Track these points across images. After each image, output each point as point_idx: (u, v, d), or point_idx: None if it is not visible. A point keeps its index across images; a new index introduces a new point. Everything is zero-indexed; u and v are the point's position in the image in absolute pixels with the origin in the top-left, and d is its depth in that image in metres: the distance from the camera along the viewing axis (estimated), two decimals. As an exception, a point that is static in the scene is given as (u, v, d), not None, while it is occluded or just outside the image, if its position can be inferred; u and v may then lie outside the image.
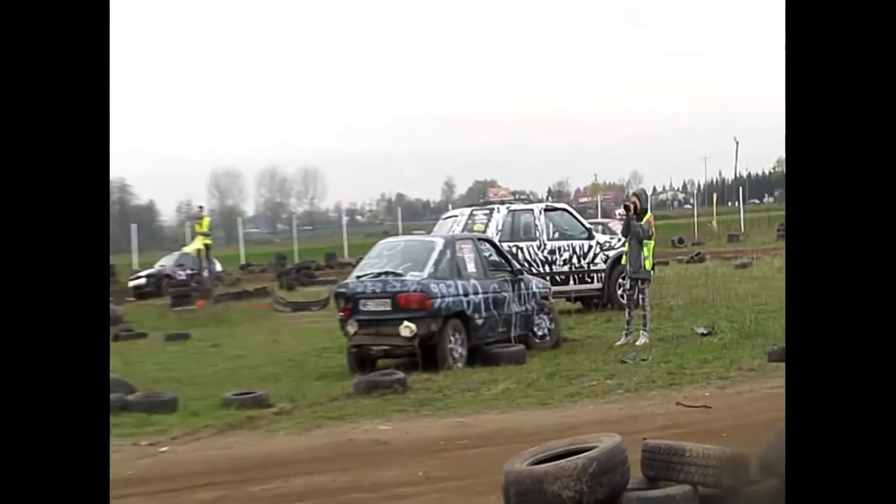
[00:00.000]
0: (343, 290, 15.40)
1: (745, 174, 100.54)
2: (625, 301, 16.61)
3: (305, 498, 7.38)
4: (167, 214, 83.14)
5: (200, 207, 43.04)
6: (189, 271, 33.16)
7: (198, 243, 32.81)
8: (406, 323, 14.13)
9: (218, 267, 35.43)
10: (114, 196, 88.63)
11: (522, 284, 16.20)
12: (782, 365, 12.11)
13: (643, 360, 13.74)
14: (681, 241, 46.79)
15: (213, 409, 11.92)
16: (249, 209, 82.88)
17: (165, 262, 34.83)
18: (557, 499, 5.15)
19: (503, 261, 16.35)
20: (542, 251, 20.21)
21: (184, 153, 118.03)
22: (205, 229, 33.08)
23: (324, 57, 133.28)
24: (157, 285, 32.10)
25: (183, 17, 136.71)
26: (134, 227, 47.05)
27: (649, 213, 16.38)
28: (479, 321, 15.07)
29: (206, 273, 31.69)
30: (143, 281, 32.68)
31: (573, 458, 5.31)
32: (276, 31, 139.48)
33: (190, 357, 17.88)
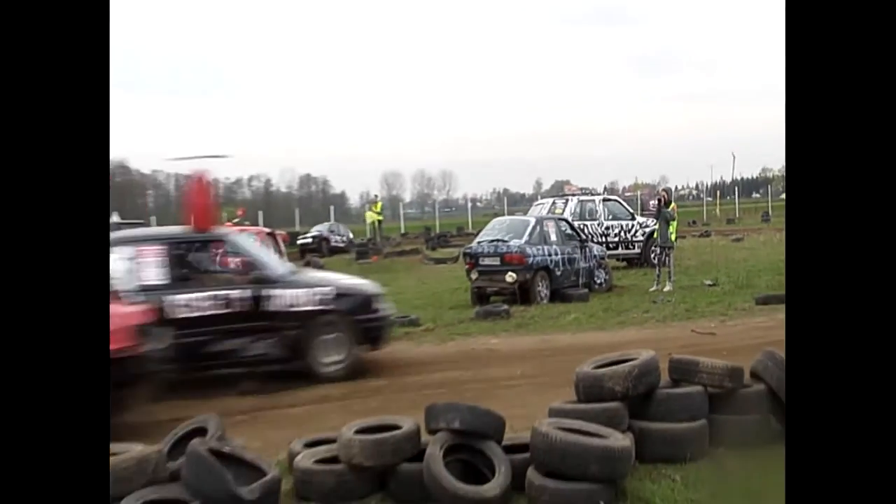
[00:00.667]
0: (469, 250, 15.78)
1: (738, 177, 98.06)
2: (656, 262, 16.42)
3: (442, 386, 7.40)
4: (353, 200, 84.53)
5: (376, 195, 43.44)
6: (340, 235, 33.39)
7: (371, 218, 33.02)
8: (510, 273, 14.44)
9: (364, 237, 35.86)
10: (318, 188, 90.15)
11: (587, 249, 16.18)
12: (766, 307, 11.97)
13: (668, 301, 13.57)
14: (693, 222, 45.67)
15: (383, 327, 12.08)
16: (407, 197, 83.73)
17: (321, 229, 34.76)
18: (611, 392, 5.09)
19: (574, 233, 16.39)
20: (601, 228, 20.13)
21: (364, 156, 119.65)
22: (378, 210, 33.33)
23: (456, 86, 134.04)
24: (318, 244, 32.11)
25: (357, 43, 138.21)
26: (332, 207, 47.83)
27: (673, 203, 16.39)
28: (558, 273, 15.08)
29: (378, 239, 31.92)
30: (308, 240, 32.66)
31: (622, 364, 5.24)
32: (432, 61, 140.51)
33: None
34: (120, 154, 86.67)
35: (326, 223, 36.07)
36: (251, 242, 9.06)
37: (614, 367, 5.21)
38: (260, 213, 36.21)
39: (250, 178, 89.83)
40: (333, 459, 4.88)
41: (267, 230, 16.39)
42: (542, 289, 14.71)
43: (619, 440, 4.62)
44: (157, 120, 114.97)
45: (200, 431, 5.22)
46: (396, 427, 4.95)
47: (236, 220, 20.87)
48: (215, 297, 7.98)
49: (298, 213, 43.60)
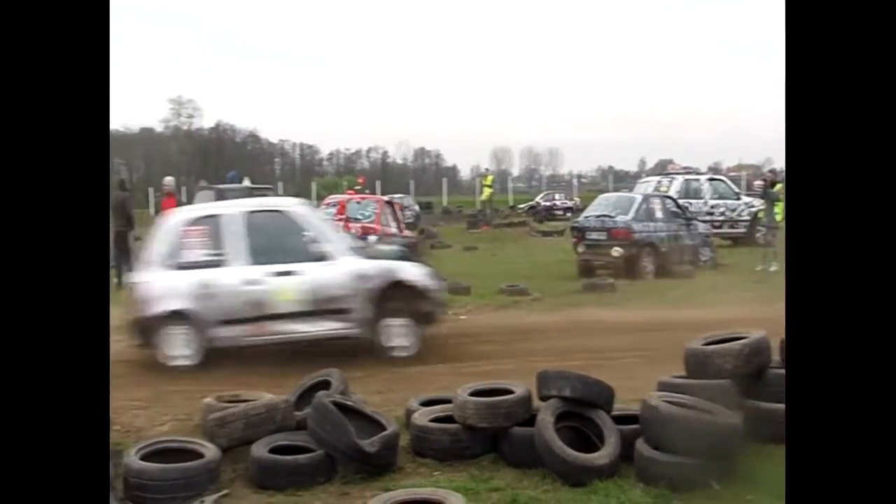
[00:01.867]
0: (576, 224, 15.81)
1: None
2: (762, 241, 15.84)
3: (550, 355, 7.31)
4: (464, 173, 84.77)
5: (486, 169, 43.31)
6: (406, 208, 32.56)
7: (485, 194, 32.94)
8: (616, 247, 14.24)
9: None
10: (431, 161, 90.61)
11: (692, 227, 15.77)
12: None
13: (774, 280, 13.06)
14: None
15: (493, 294, 12.06)
16: (515, 171, 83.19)
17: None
18: (720, 370, 4.89)
19: (680, 211, 15.99)
20: (706, 206, 19.53)
21: (475, 132, 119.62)
22: (489, 183, 33.23)
23: (563, 68, 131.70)
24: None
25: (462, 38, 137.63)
26: (444, 180, 48.10)
27: (780, 185, 15.64)
28: (663, 249, 14.74)
29: (488, 211, 31.85)
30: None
31: (733, 342, 5.02)
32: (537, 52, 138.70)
33: (478, 261, 18.08)
34: (251, 123, 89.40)
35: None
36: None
37: (724, 345, 5.01)
38: (378, 183, 36.65)
39: (368, 150, 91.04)
40: (448, 419, 4.90)
41: (385, 199, 16.55)
42: (648, 264, 14.40)
43: (729, 417, 4.45)
44: (282, 89, 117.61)
45: (325, 385, 5.32)
46: (509, 391, 4.91)
47: (357, 188, 21.16)
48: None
49: (413, 185, 43.93)
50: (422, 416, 5.00)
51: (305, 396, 5.22)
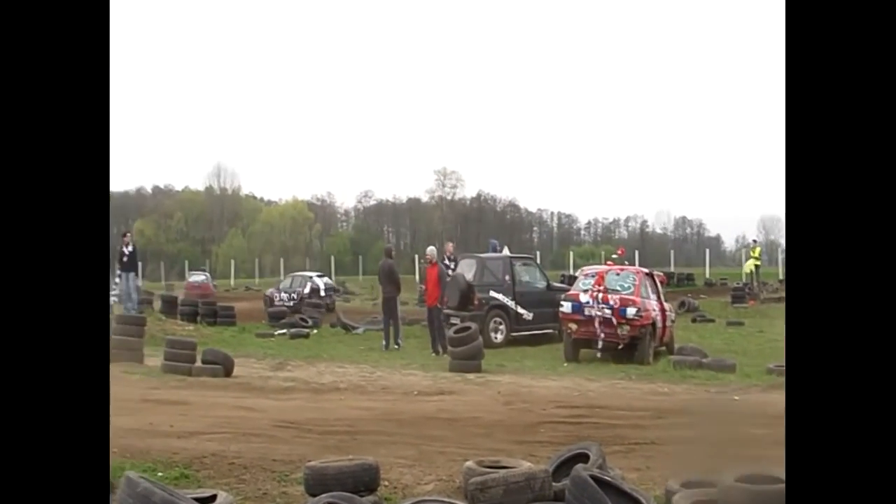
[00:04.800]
0: None
1: None
2: None
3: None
4: (729, 244, 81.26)
5: (754, 240, 41.19)
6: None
7: (750, 265, 31.30)
8: None
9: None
10: (693, 230, 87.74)
11: None
12: None
13: None
14: None
15: (760, 373, 11.41)
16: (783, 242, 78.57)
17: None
18: None
19: None
20: None
21: (742, 199, 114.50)
22: (756, 255, 31.56)
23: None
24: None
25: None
26: (707, 251, 46.41)
27: None
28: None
29: (755, 284, 30.15)
30: None
31: None
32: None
33: (744, 337, 17.21)
34: (510, 193, 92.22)
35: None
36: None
37: None
38: (636, 253, 36.17)
39: (627, 219, 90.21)
40: (711, 504, 4.70)
41: (645, 270, 16.32)
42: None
43: None
44: (541, 159, 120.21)
45: (583, 457, 5.33)
46: (780, 481, 4.63)
47: (615, 258, 21.05)
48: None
49: (673, 255, 42.80)
50: (683, 499, 4.84)
51: (563, 467, 5.26)
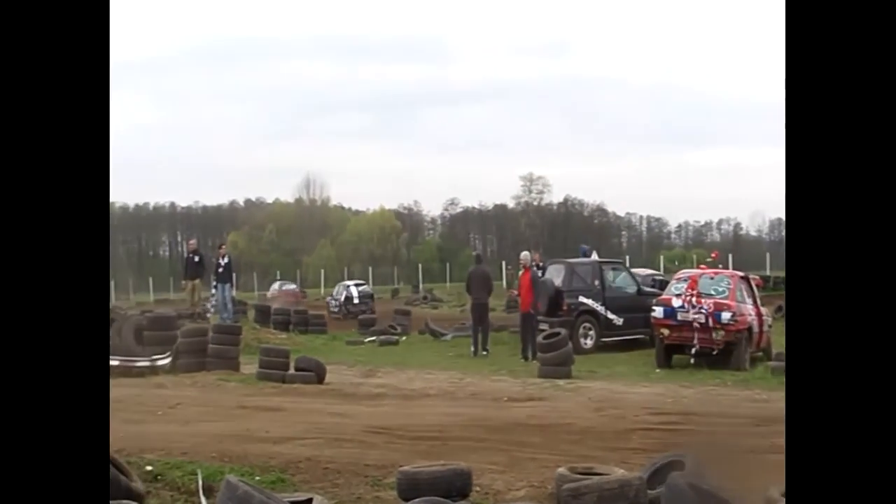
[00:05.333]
0: None
1: None
2: None
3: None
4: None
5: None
6: None
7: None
8: None
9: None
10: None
11: None
12: None
13: None
14: None
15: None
16: None
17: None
18: None
19: None
20: None
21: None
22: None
23: None
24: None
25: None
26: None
27: None
28: None
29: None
30: None
31: None
32: None
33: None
34: (598, 197, 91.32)
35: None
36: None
37: None
38: (730, 257, 35.24)
39: (719, 222, 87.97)
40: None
41: (740, 274, 15.89)
42: None
43: None
44: (629, 163, 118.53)
45: (678, 464, 5.24)
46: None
47: (709, 262, 20.56)
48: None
49: (769, 258, 41.51)
50: (784, 509, 4.69)
51: (658, 475, 5.17)
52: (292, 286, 40.74)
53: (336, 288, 34.33)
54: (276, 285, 41.38)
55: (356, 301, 30.81)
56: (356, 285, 33.57)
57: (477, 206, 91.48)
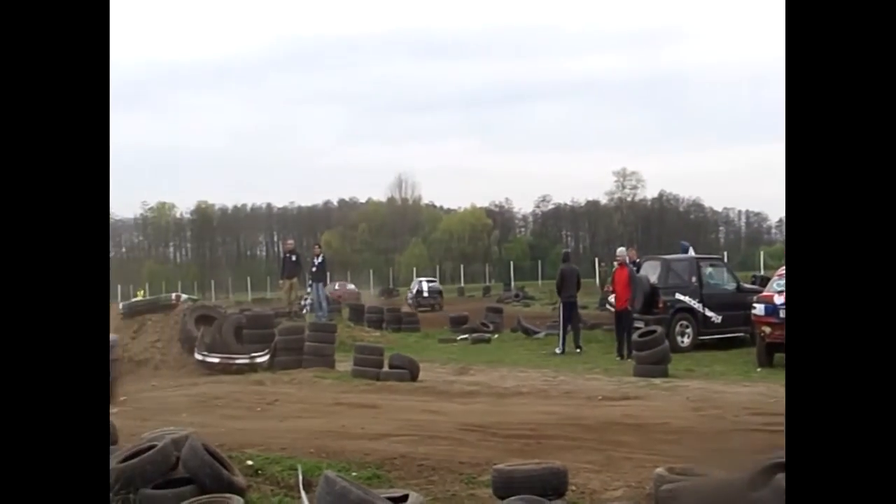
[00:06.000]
0: None
1: None
2: None
3: None
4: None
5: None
6: None
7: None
8: None
9: None
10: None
11: None
12: None
13: None
14: None
15: None
16: None
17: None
18: None
19: None
20: None
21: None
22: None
23: None
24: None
25: None
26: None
27: None
28: None
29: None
30: None
31: None
32: None
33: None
34: (694, 192, 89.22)
35: None
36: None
37: None
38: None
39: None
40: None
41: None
42: None
43: None
44: (726, 157, 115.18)
45: (782, 467, 5.06)
46: None
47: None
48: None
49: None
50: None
51: (760, 478, 5.01)
52: (351, 286, 43.06)
53: (412, 283, 40.30)
54: (335, 286, 44.25)
55: (426, 294, 36.08)
56: (428, 281, 39.36)
57: (569, 202, 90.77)
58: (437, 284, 40.02)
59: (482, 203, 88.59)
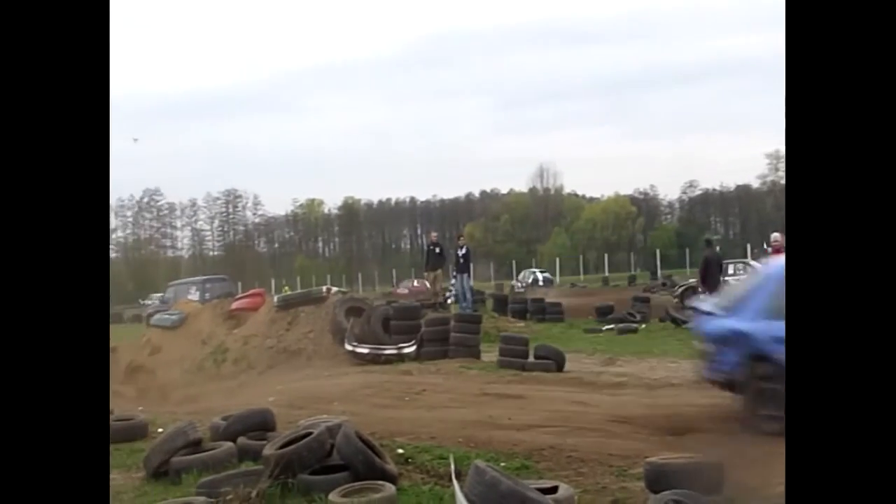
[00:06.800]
0: None
1: None
2: None
3: None
4: None
5: None
6: None
7: None
8: None
9: None
10: None
11: None
12: None
13: None
14: None
15: None
16: None
17: None
18: None
19: None
20: None
21: None
22: None
23: None
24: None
25: None
26: None
27: None
28: None
29: None
30: None
31: None
32: None
33: None
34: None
35: None
36: None
37: None
38: None
39: None
40: None
41: None
42: None
43: None
44: None
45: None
46: None
47: None
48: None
49: None
50: None
51: None
52: (419, 282, 45.35)
53: (522, 273, 46.80)
54: (407, 282, 48.29)
55: (541, 283, 41.28)
56: (541, 272, 46.48)
57: (717, 187, 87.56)
58: (548, 275, 45.65)
59: (626, 191, 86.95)
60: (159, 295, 33.09)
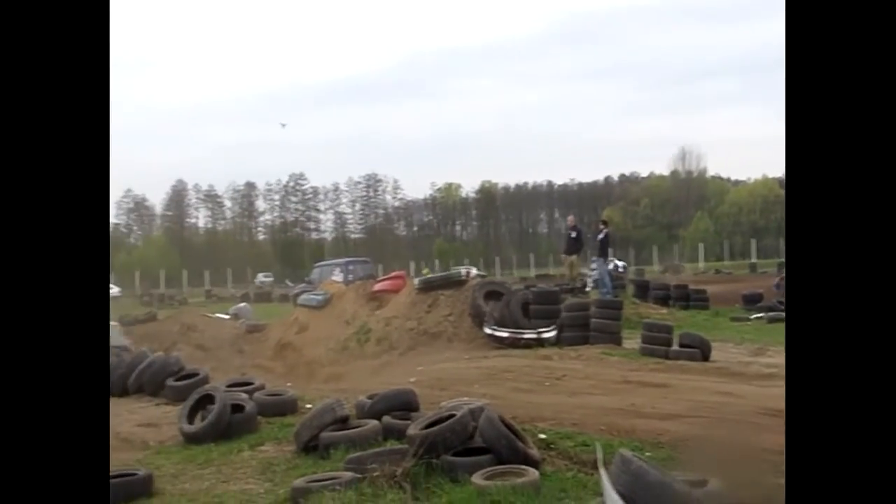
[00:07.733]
0: None
1: None
2: None
3: None
4: None
5: None
6: None
7: None
8: None
9: None
10: None
11: None
12: None
13: None
14: None
15: None
16: None
17: None
18: None
19: None
20: None
21: None
22: None
23: None
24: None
25: None
26: None
27: None
28: None
29: None
30: None
31: None
32: None
33: None
34: None
35: None
36: None
37: None
38: None
39: None
40: None
41: None
42: None
43: None
44: None
45: None
46: None
47: None
48: None
49: None
50: None
51: None
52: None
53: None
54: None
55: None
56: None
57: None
58: (624, 263, 44.64)
59: (774, 173, 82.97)
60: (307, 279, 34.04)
